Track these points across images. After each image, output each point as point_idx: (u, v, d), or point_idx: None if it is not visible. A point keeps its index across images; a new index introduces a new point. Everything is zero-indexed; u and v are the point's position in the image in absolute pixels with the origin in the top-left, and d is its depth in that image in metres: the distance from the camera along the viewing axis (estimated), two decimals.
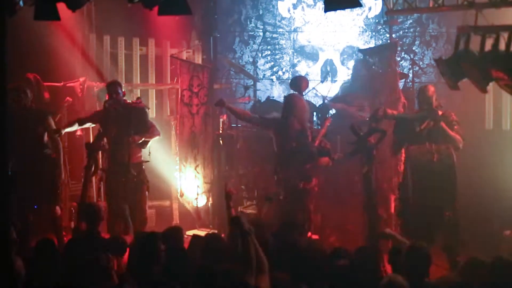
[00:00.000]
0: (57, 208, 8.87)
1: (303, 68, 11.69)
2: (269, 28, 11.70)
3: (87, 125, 9.22)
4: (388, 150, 8.49)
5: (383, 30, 11.26)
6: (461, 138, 7.94)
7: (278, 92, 11.55)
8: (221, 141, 10.09)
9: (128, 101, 8.97)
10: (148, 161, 9.01)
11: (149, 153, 8.96)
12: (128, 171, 8.68)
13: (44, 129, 8.85)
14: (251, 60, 11.25)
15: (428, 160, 7.86)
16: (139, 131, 8.76)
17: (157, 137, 9.04)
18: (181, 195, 10.33)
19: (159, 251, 5.95)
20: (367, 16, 11.53)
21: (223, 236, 6.83)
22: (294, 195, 8.47)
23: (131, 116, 8.73)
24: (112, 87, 8.88)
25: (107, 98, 8.86)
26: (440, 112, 7.94)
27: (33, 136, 8.78)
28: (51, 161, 8.86)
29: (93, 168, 8.36)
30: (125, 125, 8.70)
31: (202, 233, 9.48)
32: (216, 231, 9.25)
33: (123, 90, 8.97)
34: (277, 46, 11.78)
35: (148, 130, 8.87)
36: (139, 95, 10.12)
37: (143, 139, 8.77)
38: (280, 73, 11.52)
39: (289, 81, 9.95)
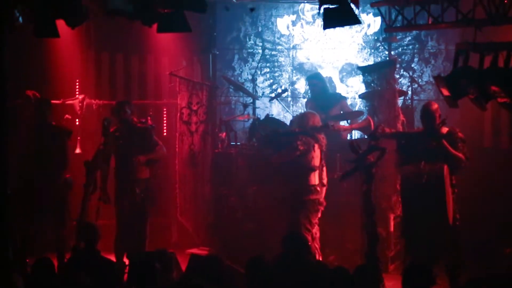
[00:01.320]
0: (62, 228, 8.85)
1: (302, 85, 11.68)
2: (268, 45, 11.68)
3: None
4: (390, 167, 8.41)
5: (382, 47, 11.25)
6: (464, 157, 7.64)
7: (277, 110, 11.51)
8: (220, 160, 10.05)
9: (135, 119, 8.96)
10: (155, 177, 9.02)
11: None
12: (134, 188, 8.69)
13: (65, 147, 8.96)
14: (250, 77, 11.23)
15: (417, 181, 7.50)
16: (144, 151, 8.77)
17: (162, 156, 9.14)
18: (180, 213, 10.28)
19: (155, 271, 5.92)
20: (366, 33, 11.52)
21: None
22: (289, 208, 8.50)
23: (134, 137, 8.75)
24: (119, 106, 8.90)
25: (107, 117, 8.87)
26: (445, 129, 7.72)
27: (53, 152, 8.84)
28: (65, 178, 8.92)
29: (92, 186, 8.35)
30: (128, 145, 8.71)
31: (202, 252, 9.46)
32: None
33: (131, 109, 8.93)
34: (276, 64, 11.77)
35: (153, 149, 8.88)
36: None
37: (148, 158, 8.78)
38: (279, 90, 11.49)
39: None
